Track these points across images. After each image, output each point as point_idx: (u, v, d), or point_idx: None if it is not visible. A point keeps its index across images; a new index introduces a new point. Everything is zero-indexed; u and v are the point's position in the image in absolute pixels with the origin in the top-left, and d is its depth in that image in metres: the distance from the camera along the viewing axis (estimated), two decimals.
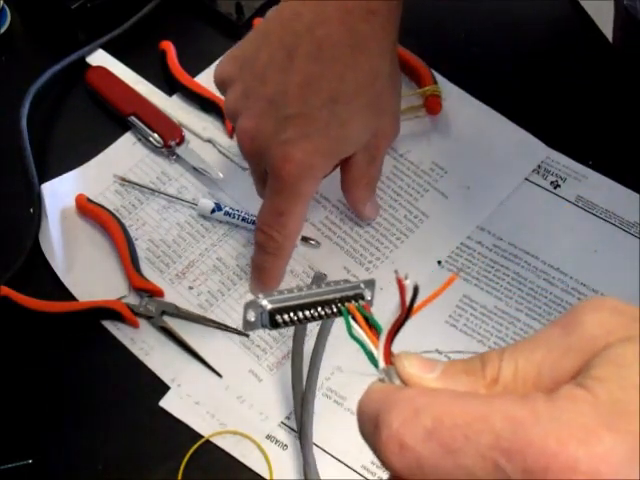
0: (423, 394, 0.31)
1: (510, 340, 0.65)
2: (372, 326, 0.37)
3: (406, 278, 0.33)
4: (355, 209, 0.69)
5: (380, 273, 0.68)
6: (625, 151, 0.75)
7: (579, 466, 0.27)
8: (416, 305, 0.34)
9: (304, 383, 0.60)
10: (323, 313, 0.40)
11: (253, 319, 0.40)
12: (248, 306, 0.40)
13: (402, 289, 0.33)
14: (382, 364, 0.34)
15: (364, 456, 0.61)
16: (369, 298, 0.41)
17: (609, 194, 0.72)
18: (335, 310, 0.40)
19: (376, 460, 0.61)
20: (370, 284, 0.41)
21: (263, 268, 0.64)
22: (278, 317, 0.40)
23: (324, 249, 0.69)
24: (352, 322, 0.37)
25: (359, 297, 0.41)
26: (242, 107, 0.60)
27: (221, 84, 0.63)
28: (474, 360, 0.32)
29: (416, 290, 0.33)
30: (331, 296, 0.40)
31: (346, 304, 0.40)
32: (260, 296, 0.41)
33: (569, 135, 0.75)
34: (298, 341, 0.60)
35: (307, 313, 0.40)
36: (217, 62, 0.64)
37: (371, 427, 0.31)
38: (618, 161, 0.74)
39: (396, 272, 0.33)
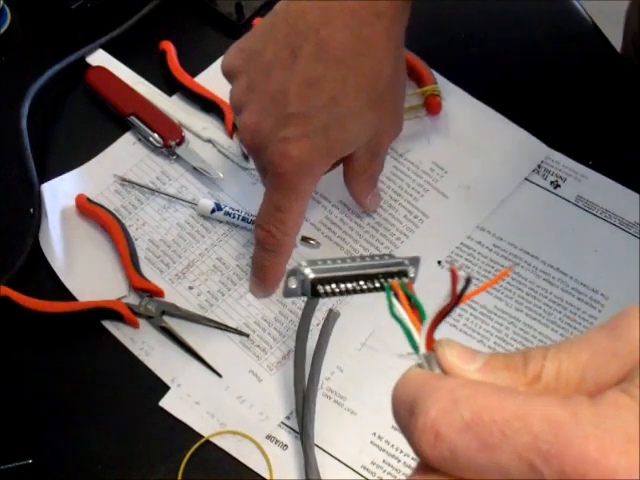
0: (464, 385, 0.30)
1: (510, 340, 0.65)
2: (414, 306, 0.36)
3: (459, 269, 0.33)
4: (357, 201, 0.69)
5: None
6: (625, 151, 0.75)
7: (618, 477, 0.26)
8: (465, 294, 0.33)
9: (306, 382, 0.59)
10: (365, 287, 0.40)
11: (294, 286, 0.40)
12: (291, 273, 0.40)
13: (455, 278, 0.33)
14: (423, 349, 0.34)
15: (364, 456, 0.61)
16: (412, 275, 0.40)
17: (609, 194, 0.72)
18: (377, 285, 0.40)
19: (376, 460, 0.61)
20: (415, 261, 0.40)
21: (263, 266, 0.64)
22: (320, 287, 0.40)
23: (324, 249, 0.69)
24: (394, 300, 0.36)
25: (402, 274, 0.40)
26: (246, 101, 0.61)
27: (228, 75, 0.64)
28: (517, 356, 0.32)
29: (468, 281, 0.33)
30: (374, 270, 0.39)
31: (389, 280, 0.39)
32: (303, 263, 0.40)
33: (569, 135, 0.75)
34: (301, 339, 0.60)
35: (349, 285, 0.40)
36: (226, 52, 0.64)
37: (406, 412, 0.31)
38: (618, 161, 0.74)
39: (451, 263, 0.33)
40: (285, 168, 0.59)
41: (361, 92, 0.58)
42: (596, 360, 0.30)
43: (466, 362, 0.32)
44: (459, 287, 0.33)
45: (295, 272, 0.40)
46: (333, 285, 0.40)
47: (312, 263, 0.40)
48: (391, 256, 0.40)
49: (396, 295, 0.36)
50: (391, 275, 0.40)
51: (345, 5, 0.57)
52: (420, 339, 0.34)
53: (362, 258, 0.40)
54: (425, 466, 0.31)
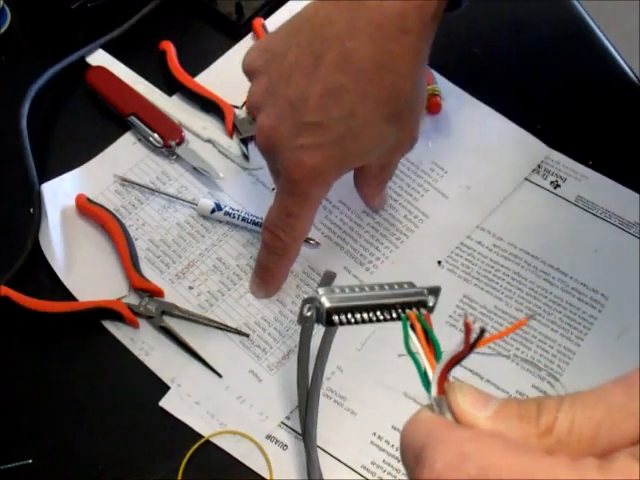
0: (473, 439, 0.30)
1: (510, 340, 0.65)
2: (430, 342, 0.35)
3: (474, 322, 0.33)
4: (365, 203, 0.70)
5: (380, 273, 0.68)
6: (625, 151, 0.75)
7: None
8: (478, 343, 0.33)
9: (309, 380, 0.59)
10: (382, 317, 0.39)
11: (309, 314, 0.40)
12: (307, 301, 0.39)
13: (468, 330, 0.32)
14: (434, 393, 0.33)
15: (364, 456, 0.61)
16: (431, 304, 0.40)
17: (609, 194, 0.72)
18: (394, 316, 0.39)
19: (376, 460, 0.61)
20: (435, 291, 0.40)
21: (267, 268, 0.65)
22: (335, 317, 0.39)
23: (324, 249, 0.69)
24: (410, 333, 0.36)
25: (421, 304, 0.39)
26: (264, 103, 0.61)
27: (248, 73, 0.64)
28: (530, 405, 0.31)
29: (482, 332, 0.32)
30: (392, 300, 0.39)
31: (407, 311, 0.38)
32: (320, 292, 0.39)
33: (569, 135, 0.75)
34: (305, 336, 0.59)
35: (365, 316, 0.39)
36: (248, 50, 0.64)
37: (413, 458, 0.30)
38: (618, 161, 0.74)
39: (465, 316, 0.33)
40: (298, 175, 0.59)
41: (380, 106, 0.58)
42: (611, 417, 0.29)
43: (478, 409, 0.32)
44: (472, 337, 0.33)
45: (311, 300, 0.39)
46: (349, 315, 0.39)
47: (329, 291, 0.39)
48: (411, 285, 0.40)
49: (413, 327, 0.36)
50: (409, 305, 0.39)
51: (373, 18, 0.56)
52: (433, 377, 0.34)
53: (381, 287, 0.39)
54: None
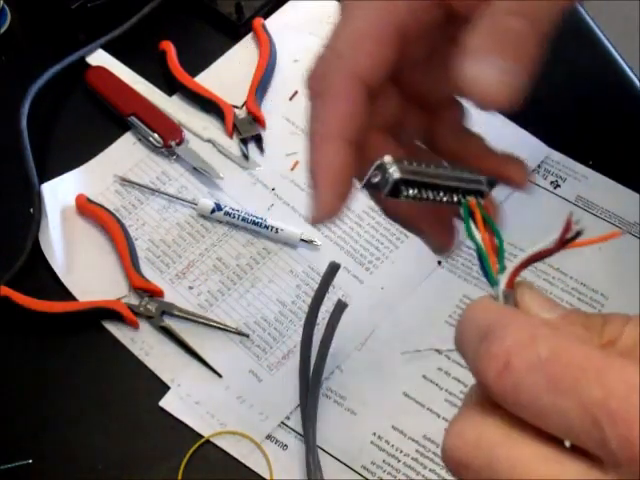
0: (545, 325, 0.29)
1: None
2: (490, 230, 0.35)
3: (577, 223, 0.33)
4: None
5: (380, 273, 0.68)
6: (625, 151, 0.75)
7: None
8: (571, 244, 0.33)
9: (311, 371, 0.59)
10: (445, 199, 0.38)
11: (377, 180, 0.38)
12: (377, 167, 0.38)
13: (568, 226, 0.33)
14: (503, 285, 0.33)
15: (364, 456, 0.61)
16: (489, 192, 0.39)
17: (609, 194, 0.72)
18: (455, 200, 0.38)
19: (376, 460, 0.61)
20: (492, 183, 0.39)
21: (311, 135, 0.44)
22: (403, 188, 0.38)
23: (324, 249, 0.69)
24: (471, 222, 0.35)
25: (479, 193, 0.39)
26: None
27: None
28: (596, 316, 0.31)
29: (579, 233, 0.33)
30: (455, 183, 0.38)
31: (467, 198, 0.38)
32: (389, 159, 0.38)
33: (569, 135, 0.75)
34: (308, 326, 0.60)
35: (430, 194, 0.38)
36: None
37: (475, 337, 0.29)
38: (618, 161, 0.74)
39: (570, 213, 0.33)
40: None
41: None
42: None
43: (544, 310, 0.32)
44: (568, 235, 0.33)
45: (380, 167, 0.37)
46: (415, 190, 0.38)
47: (399, 160, 0.38)
48: (471, 170, 0.39)
49: (472, 215, 0.36)
50: (469, 192, 0.38)
51: None
52: (507, 270, 0.34)
53: (444, 167, 0.39)
54: (483, 402, 0.29)
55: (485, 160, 0.44)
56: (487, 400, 0.29)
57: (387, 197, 0.38)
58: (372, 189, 0.38)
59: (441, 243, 0.45)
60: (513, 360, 0.28)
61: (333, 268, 0.60)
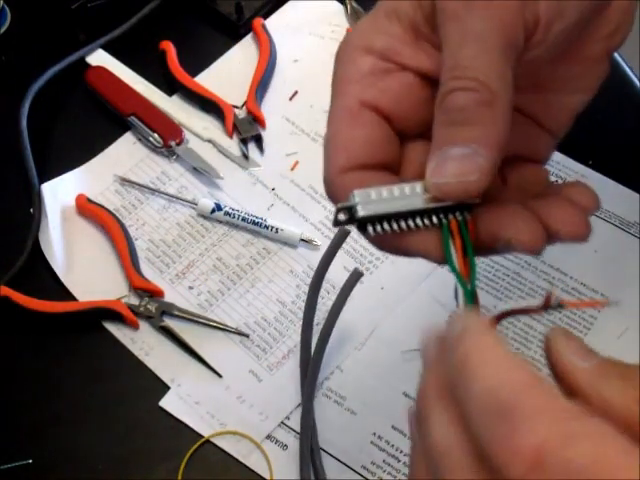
0: (582, 418, 0.26)
1: (510, 340, 0.65)
2: (466, 258, 0.34)
3: (553, 295, 0.33)
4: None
5: (380, 273, 0.68)
6: (625, 151, 0.75)
7: None
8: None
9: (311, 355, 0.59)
10: (420, 224, 0.37)
11: (344, 218, 0.37)
12: (341, 208, 0.37)
13: (548, 300, 0.33)
14: (462, 303, 0.33)
15: (364, 456, 0.61)
16: (478, 201, 0.36)
17: (609, 194, 0.72)
18: (435, 221, 0.36)
19: (376, 460, 0.61)
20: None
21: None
22: (369, 227, 0.37)
23: (324, 249, 0.69)
24: (451, 247, 0.34)
25: (466, 208, 0.36)
26: None
27: None
28: (634, 367, 0.30)
29: (561, 306, 0.32)
30: (431, 204, 0.36)
31: (449, 217, 0.36)
32: (355, 195, 0.37)
33: (569, 135, 0.75)
34: (309, 310, 0.60)
35: (402, 224, 0.37)
36: None
37: (493, 408, 0.27)
38: (618, 161, 0.74)
39: (552, 290, 0.33)
40: None
41: None
42: None
43: (579, 358, 0.30)
44: (551, 304, 0.33)
45: (346, 208, 0.37)
46: (385, 224, 0.36)
47: (365, 196, 0.36)
48: None
49: (452, 237, 0.34)
50: (452, 209, 0.36)
51: None
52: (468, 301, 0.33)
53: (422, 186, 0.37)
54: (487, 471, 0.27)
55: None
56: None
57: (361, 233, 0.38)
58: (341, 226, 0.38)
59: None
60: (546, 460, 0.25)
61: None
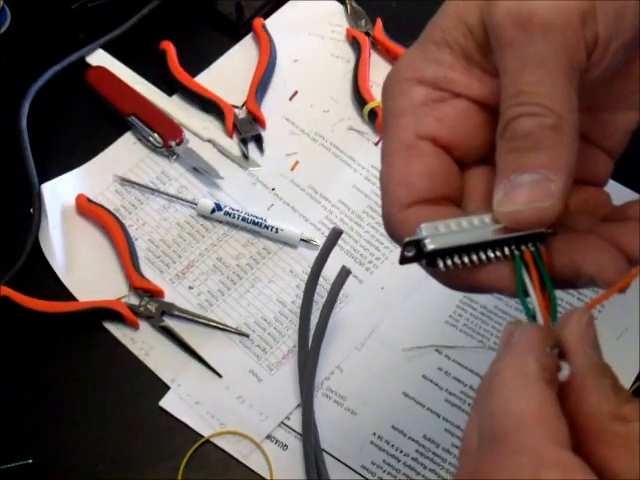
0: (571, 473, 0.27)
1: None
2: (545, 290, 0.32)
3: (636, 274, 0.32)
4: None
5: (380, 273, 0.68)
6: (625, 151, 0.74)
7: None
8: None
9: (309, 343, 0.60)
10: (492, 256, 0.35)
11: (411, 254, 0.36)
12: (409, 243, 0.35)
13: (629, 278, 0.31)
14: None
15: (364, 456, 0.61)
16: (551, 230, 0.35)
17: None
18: (507, 253, 0.35)
19: (376, 460, 0.61)
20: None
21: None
22: (440, 261, 0.35)
23: None
24: (525, 276, 0.33)
25: (537, 237, 0.35)
26: None
27: None
28: None
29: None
30: (502, 235, 0.35)
31: (522, 248, 0.34)
32: (423, 228, 0.35)
33: None
34: (306, 309, 0.60)
35: (473, 257, 0.35)
36: None
37: (494, 430, 0.28)
38: (618, 161, 0.74)
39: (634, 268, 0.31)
40: None
41: None
42: None
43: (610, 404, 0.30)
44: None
45: (414, 242, 0.35)
46: (455, 257, 0.35)
47: (432, 229, 0.35)
48: None
49: (527, 267, 0.33)
50: (524, 240, 0.35)
51: None
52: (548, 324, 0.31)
53: (492, 218, 0.35)
54: None
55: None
56: None
57: (428, 268, 0.36)
58: (409, 263, 0.36)
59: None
60: None
61: (345, 273, 0.61)
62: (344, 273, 0.62)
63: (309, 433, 0.59)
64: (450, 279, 0.38)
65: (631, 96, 0.41)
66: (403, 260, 0.36)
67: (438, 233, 0.35)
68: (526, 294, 0.33)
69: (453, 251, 0.35)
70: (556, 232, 0.35)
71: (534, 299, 0.33)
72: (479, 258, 0.35)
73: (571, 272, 0.35)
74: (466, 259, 0.35)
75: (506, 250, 0.35)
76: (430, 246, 0.35)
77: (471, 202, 0.39)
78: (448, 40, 0.39)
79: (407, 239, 0.35)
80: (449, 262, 0.35)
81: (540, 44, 0.35)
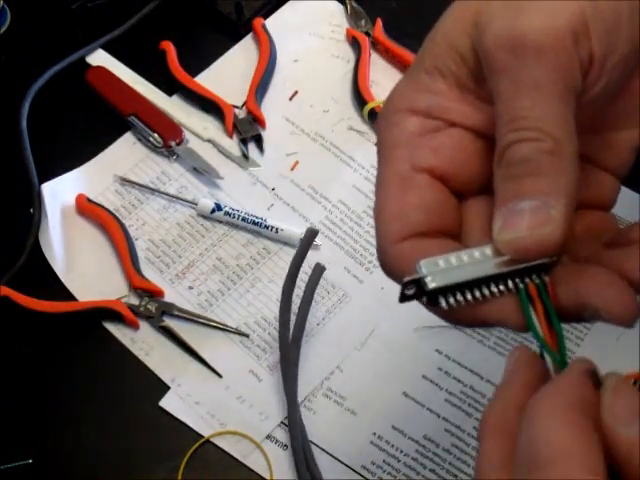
0: None
1: (510, 340, 0.65)
2: (552, 325, 0.32)
3: None
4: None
5: (380, 273, 0.68)
6: None
7: None
8: None
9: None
10: (496, 291, 0.34)
11: (412, 292, 0.34)
12: (408, 282, 0.34)
13: None
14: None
15: (364, 456, 0.61)
16: (555, 259, 0.33)
17: None
18: (511, 287, 0.34)
19: (376, 460, 0.61)
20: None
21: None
22: (442, 300, 0.34)
23: (324, 249, 0.69)
24: (532, 312, 0.32)
25: (542, 268, 0.34)
26: None
27: None
28: None
29: None
30: (505, 268, 0.34)
31: (526, 281, 0.33)
32: (422, 265, 0.34)
33: None
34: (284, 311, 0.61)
35: (476, 293, 0.34)
36: None
37: (533, 457, 0.28)
38: None
39: None
40: None
41: None
42: None
43: (624, 423, 0.30)
44: None
45: (414, 281, 0.34)
46: (457, 295, 0.34)
47: (432, 265, 0.34)
48: None
49: (532, 302, 0.32)
50: (528, 272, 0.33)
51: None
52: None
53: (493, 250, 0.34)
54: None
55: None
56: None
57: (430, 306, 0.35)
58: (409, 300, 0.35)
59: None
60: None
61: (311, 233, 0.62)
62: (319, 270, 0.63)
63: (295, 428, 0.60)
64: (453, 316, 0.36)
65: (634, 112, 0.40)
66: (403, 298, 0.35)
67: (438, 269, 0.34)
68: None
69: (455, 288, 0.34)
70: (560, 262, 0.34)
71: (540, 334, 0.32)
72: (482, 294, 0.34)
73: (576, 305, 0.34)
74: (469, 296, 0.34)
75: (510, 283, 0.34)
76: (431, 284, 0.34)
77: (471, 234, 0.38)
78: (440, 68, 0.38)
79: (407, 278, 0.34)
80: (451, 300, 0.34)
81: (533, 68, 0.34)
